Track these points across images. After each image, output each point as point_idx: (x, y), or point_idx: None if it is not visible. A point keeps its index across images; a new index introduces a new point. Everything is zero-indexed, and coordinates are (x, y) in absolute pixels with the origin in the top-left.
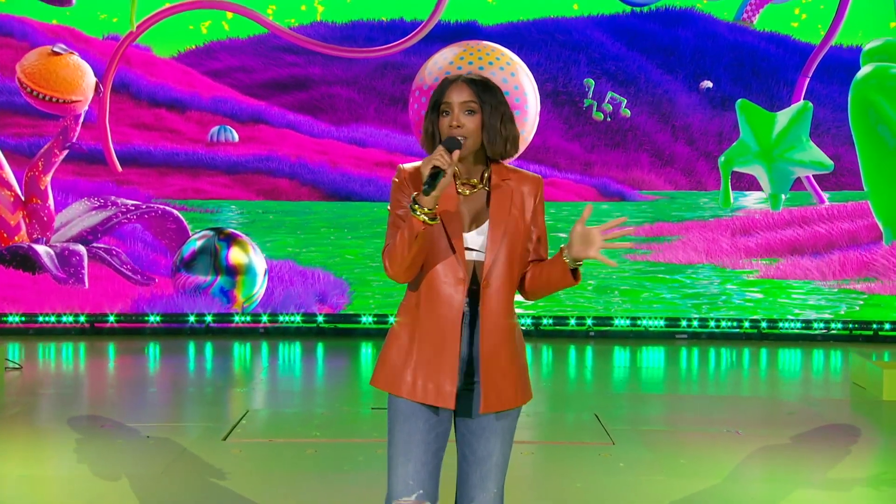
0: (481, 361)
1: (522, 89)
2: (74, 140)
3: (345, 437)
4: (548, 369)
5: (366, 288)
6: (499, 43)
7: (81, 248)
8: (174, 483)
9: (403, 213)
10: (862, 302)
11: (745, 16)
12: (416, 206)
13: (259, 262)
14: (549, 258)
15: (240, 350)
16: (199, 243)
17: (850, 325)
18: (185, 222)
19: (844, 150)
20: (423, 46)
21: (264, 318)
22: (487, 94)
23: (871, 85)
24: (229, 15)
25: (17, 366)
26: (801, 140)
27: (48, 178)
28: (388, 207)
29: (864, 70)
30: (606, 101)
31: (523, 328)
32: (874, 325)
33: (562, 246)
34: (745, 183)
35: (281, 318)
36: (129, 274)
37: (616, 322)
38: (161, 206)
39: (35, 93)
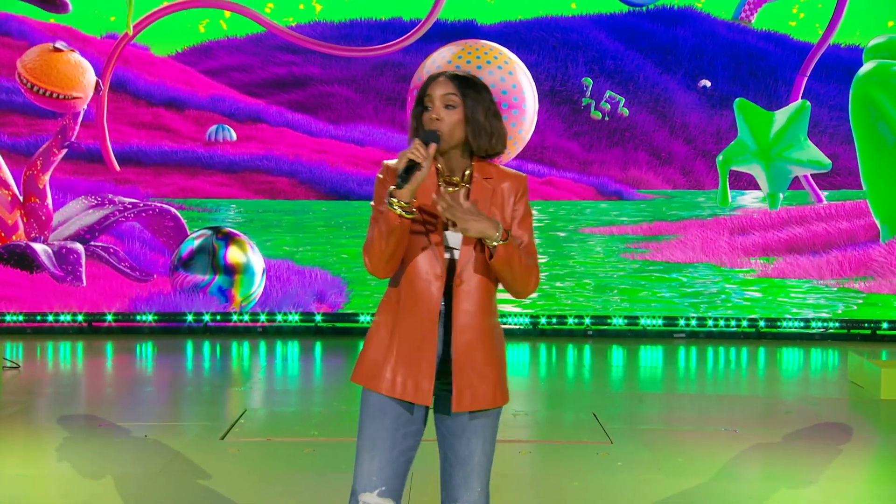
0: (454, 359)
1: (520, 88)
2: (73, 139)
3: (343, 436)
4: (546, 368)
5: (364, 287)
6: (497, 42)
7: (79, 247)
8: (172, 482)
9: (384, 207)
10: (860, 301)
11: (743, 15)
12: (393, 199)
13: (257, 262)
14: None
15: (238, 349)
16: (197, 242)
17: (848, 324)
18: (183, 220)
19: (842, 149)
20: (422, 45)
21: (262, 317)
22: (469, 88)
23: (873, 81)
24: (227, 14)
25: (14, 365)
26: (798, 139)
27: (47, 177)
28: (371, 203)
29: (867, 66)
30: (604, 99)
31: (521, 327)
32: (869, 324)
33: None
34: (744, 182)
35: (279, 317)
36: (128, 271)
37: (614, 321)
38: (159, 205)
39: (35, 88)
